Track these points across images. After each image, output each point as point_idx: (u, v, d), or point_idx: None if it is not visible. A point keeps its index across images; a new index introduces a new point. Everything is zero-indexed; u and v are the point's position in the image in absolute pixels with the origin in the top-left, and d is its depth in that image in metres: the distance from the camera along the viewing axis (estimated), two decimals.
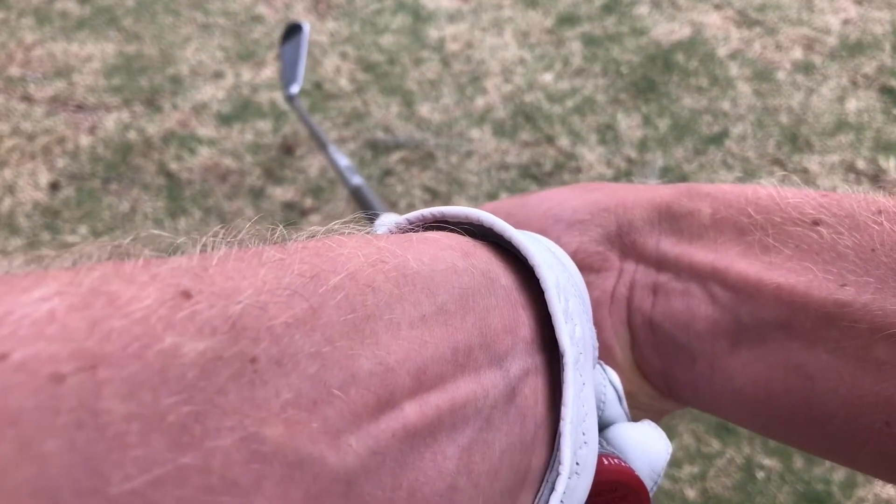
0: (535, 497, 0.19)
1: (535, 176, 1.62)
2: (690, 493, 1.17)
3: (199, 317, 0.12)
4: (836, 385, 0.21)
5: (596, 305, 0.27)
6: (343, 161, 0.61)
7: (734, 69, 1.82)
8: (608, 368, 0.26)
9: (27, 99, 1.83)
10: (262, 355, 0.13)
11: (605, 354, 0.27)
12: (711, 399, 0.25)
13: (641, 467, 0.23)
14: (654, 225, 0.27)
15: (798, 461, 1.19)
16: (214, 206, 1.60)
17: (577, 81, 1.83)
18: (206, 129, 1.75)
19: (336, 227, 0.18)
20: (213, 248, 0.15)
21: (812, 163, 1.60)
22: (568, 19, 2.00)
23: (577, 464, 0.19)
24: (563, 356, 0.19)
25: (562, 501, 0.19)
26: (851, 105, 1.72)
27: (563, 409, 0.19)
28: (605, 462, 0.22)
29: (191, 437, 0.11)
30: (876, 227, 0.22)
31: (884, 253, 0.21)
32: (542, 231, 0.29)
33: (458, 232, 0.21)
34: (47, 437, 0.10)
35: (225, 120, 1.77)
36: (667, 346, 0.26)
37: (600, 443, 0.23)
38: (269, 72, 1.89)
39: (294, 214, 1.58)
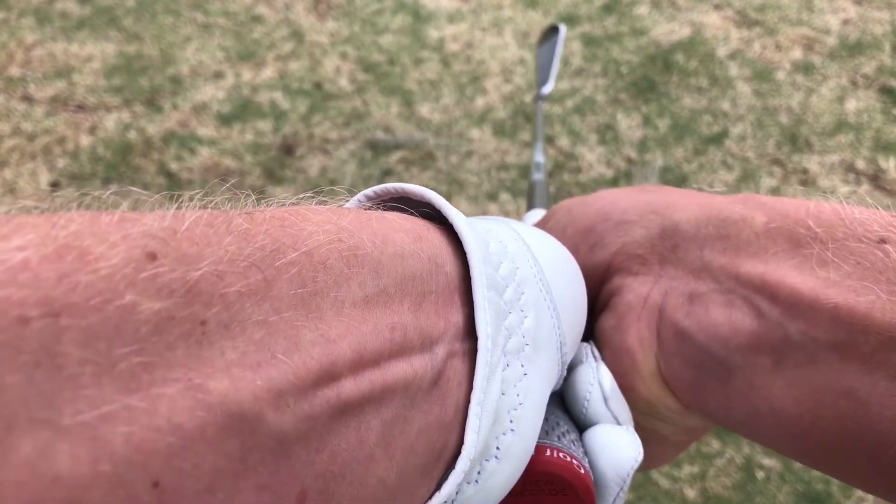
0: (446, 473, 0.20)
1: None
2: (690, 493, 1.17)
3: (160, 279, 0.14)
4: (894, 415, 0.20)
5: (626, 309, 0.27)
6: (538, 157, 0.64)
7: (734, 69, 1.82)
8: (602, 369, 0.26)
9: (27, 99, 1.83)
10: (212, 319, 0.14)
11: (627, 360, 0.26)
12: (746, 418, 0.24)
13: (606, 469, 0.24)
14: (700, 229, 0.26)
15: None
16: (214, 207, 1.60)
17: (576, 81, 1.83)
18: (206, 130, 1.75)
19: (307, 196, 0.20)
20: (188, 208, 0.16)
21: (812, 163, 1.61)
22: (568, 19, 2.00)
23: (498, 448, 0.20)
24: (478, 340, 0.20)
25: (477, 481, 0.20)
26: (851, 105, 1.72)
27: (472, 392, 0.20)
28: (547, 454, 0.23)
29: (139, 383, 0.12)
30: None
31: None
32: (592, 227, 0.29)
33: (415, 214, 0.22)
34: (8, 371, 0.11)
35: (225, 120, 1.77)
36: (699, 358, 0.25)
37: (559, 438, 0.24)
38: (270, 72, 1.89)
39: None
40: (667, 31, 1.94)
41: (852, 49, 1.84)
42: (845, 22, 1.92)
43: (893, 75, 1.77)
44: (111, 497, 0.12)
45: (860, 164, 1.60)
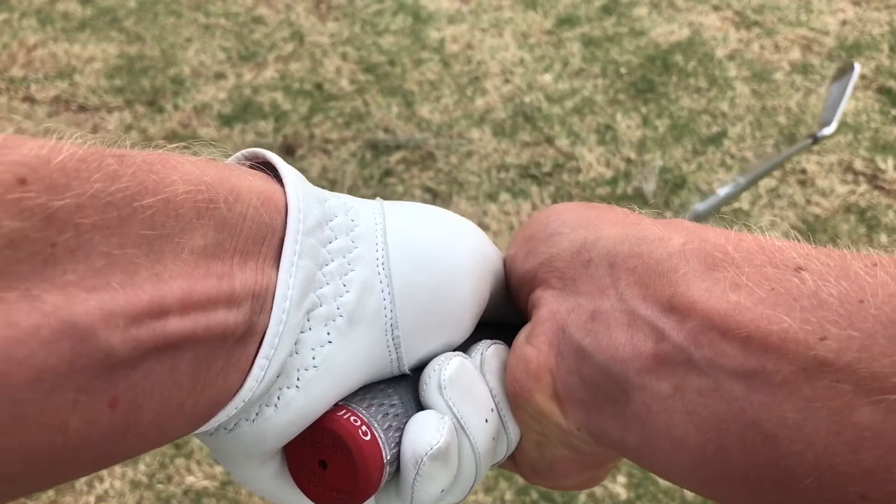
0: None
1: (534, 176, 1.63)
2: (689, 493, 1.18)
3: (24, 203, 0.16)
4: (803, 448, 0.19)
5: (538, 322, 0.26)
6: (723, 191, 0.62)
7: (732, 70, 1.83)
8: (455, 361, 0.26)
9: (29, 99, 1.84)
10: (62, 243, 0.17)
11: (523, 367, 0.26)
12: (643, 443, 0.23)
13: (405, 449, 0.25)
14: (617, 245, 0.25)
15: None
16: None
17: (576, 82, 1.84)
18: (207, 130, 1.75)
19: (182, 146, 0.22)
20: (69, 141, 0.18)
21: (810, 163, 1.61)
22: (567, 20, 2.01)
23: (279, 399, 0.23)
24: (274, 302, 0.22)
25: (253, 421, 0.22)
26: (849, 105, 1.72)
27: (261, 346, 0.22)
28: (340, 414, 0.24)
29: None
30: (869, 278, 0.19)
31: (874, 305, 0.18)
32: (532, 235, 0.29)
33: (272, 177, 0.24)
34: None
35: (226, 120, 1.77)
36: (597, 378, 0.24)
37: (371, 406, 0.25)
38: (270, 72, 1.89)
39: None
40: (666, 31, 1.95)
41: (850, 50, 1.85)
42: (843, 23, 1.93)
43: (891, 76, 1.78)
44: None
45: (858, 165, 1.61)
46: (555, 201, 1.58)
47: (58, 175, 0.17)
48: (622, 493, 1.13)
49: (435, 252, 0.26)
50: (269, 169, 0.25)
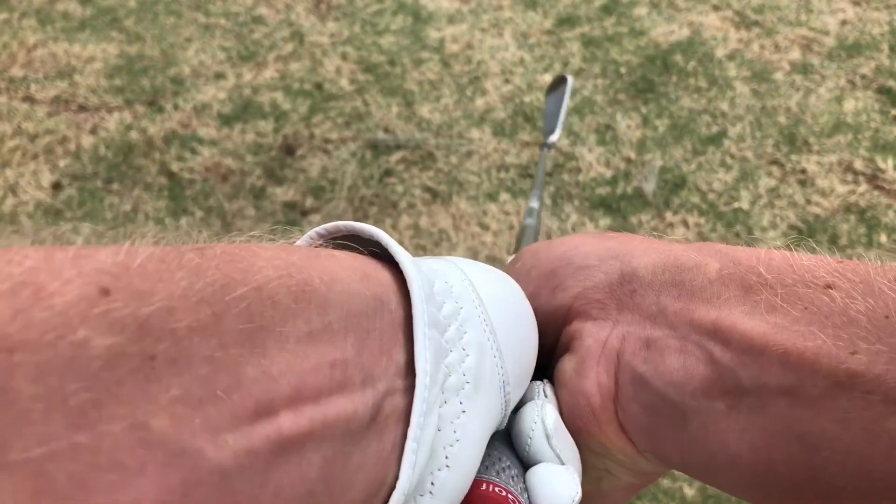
0: None
1: (534, 176, 1.63)
2: (689, 492, 1.18)
3: (112, 315, 0.14)
4: (843, 458, 0.20)
5: (587, 354, 0.27)
6: (533, 203, 0.64)
7: (732, 70, 1.83)
8: (548, 408, 0.26)
9: (29, 99, 1.84)
10: (161, 354, 0.15)
11: (584, 403, 0.27)
12: (703, 462, 0.24)
13: None
14: (657, 275, 0.26)
15: None
16: (215, 206, 1.61)
17: (576, 82, 1.83)
18: (207, 130, 1.75)
19: (257, 234, 0.20)
20: (141, 242, 0.17)
21: (810, 163, 1.61)
22: (567, 20, 2.01)
23: (433, 484, 0.21)
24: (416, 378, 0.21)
25: None
26: (849, 105, 1.72)
27: (409, 428, 0.20)
28: (483, 488, 0.23)
29: (87, 419, 0.13)
30: (892, 293, 0.20)
31: None
32: (554, 271, 0.29)
33: (364, 252, 0.23)
34: None
35: (226, 120, 1.77)
36: (656, 403, 0.25)
37: (498, 473, 0.24)
38: (270, 72, 1.89)
39: (295, 214, 1.59)
40: (666, 31, 1.95)
41: (850, 49, 1.85)
42: (843, 23, 1.93)
43: (891, 76, 1.78)
44: None
45: (858, 165, 1.61)
46: (555, 201, 1.58)
47: (139, 280, 0.15)
48: None
49: (515, 307, 0.27)
50: (330, 241, 0.24)
